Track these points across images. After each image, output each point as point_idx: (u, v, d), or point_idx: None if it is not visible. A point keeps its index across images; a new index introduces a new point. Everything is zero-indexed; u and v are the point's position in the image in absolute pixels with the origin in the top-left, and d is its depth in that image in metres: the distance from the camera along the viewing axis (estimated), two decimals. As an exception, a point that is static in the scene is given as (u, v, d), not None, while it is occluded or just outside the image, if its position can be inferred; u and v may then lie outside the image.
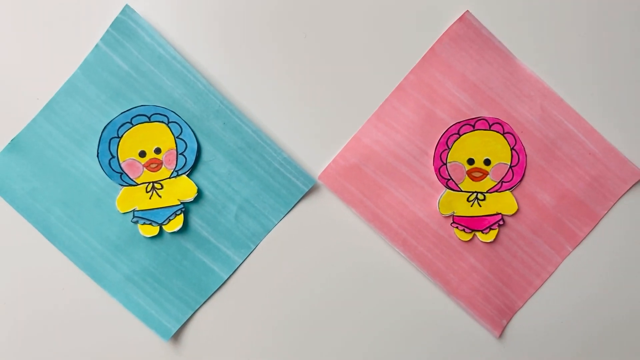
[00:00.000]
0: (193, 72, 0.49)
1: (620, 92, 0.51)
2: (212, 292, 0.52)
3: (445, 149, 0.51)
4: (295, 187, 0.51)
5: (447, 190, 0.51)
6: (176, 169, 0.50)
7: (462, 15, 0.50)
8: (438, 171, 0.51)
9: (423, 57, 0.50)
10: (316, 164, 0.51)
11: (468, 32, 0.50)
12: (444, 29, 0.50)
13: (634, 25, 0.50)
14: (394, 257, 0.52)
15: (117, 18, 0.48)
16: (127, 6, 0.48)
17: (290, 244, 0.52)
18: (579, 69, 0.51)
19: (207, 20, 0.50)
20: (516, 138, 0.51)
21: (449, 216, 0.51)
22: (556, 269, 0.52)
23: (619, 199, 0.52)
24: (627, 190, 0.52)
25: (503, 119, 0.50)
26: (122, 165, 0.50)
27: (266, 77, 0.50)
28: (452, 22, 0.50)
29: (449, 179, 0.51)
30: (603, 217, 0.52)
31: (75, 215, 0.51)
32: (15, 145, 0.50)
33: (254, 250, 0.52)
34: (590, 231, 0.52)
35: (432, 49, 0.50)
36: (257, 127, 0.50)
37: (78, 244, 0.51)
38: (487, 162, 0.51)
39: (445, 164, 0.51)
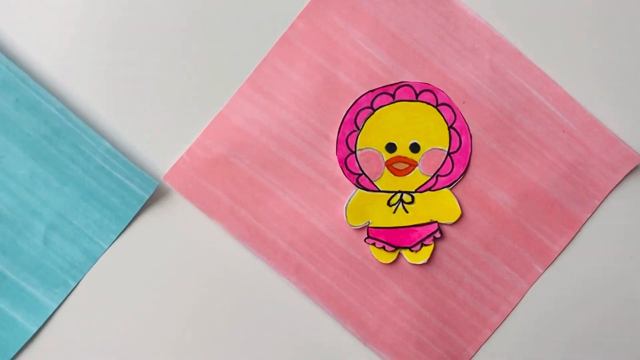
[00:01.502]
0: (-42, 21, 0.32)
1: (605, 43, 0.35)
2: (16, 352, 0.35)
3: (354, 131, 0.34)
4: (130, 194, 0.34)
5: (358, 190, 0.35)
6: (-52, 171, 0.33)
7: None
8: (344, 163, 0.35)
9: (316, -5, 0.34)
10: (163, 159, 0.35)
11: (380, -44, 0.34)
12: (344, -47, 0.34)
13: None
14: (283, 290, 0.35)
15: None
16: None
17: (128, 277, 0.35)
18: (543, 10, 0.35)
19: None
20: (455, 112, 0.35)
21: (361, 228, 0.35)
22: (521, 299, 0.36)
23: (607, 195, 0.35)
24: (619, 183, 0.36)
25: (436, 84, 0.34)
26: None
27: (78, 32, 0.33)
28: (356, -58, 0.34)
29: (360, 174, 0.35)
30: (586, 222, 0.36)
31: None
32: None
33: (75, 289, 0.35)
34: (569, 243, 0.36)
35: (329, -18, 0.34)
36: (64, 105, 0.33)
37: None
38: (414, 147, 0.35)
39: (355, 153, 0.34)
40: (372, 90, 0.35)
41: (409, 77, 0.35)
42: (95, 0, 0.34)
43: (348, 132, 0.35)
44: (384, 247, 0.36)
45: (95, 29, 0.34)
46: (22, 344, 0.36)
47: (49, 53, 0.34)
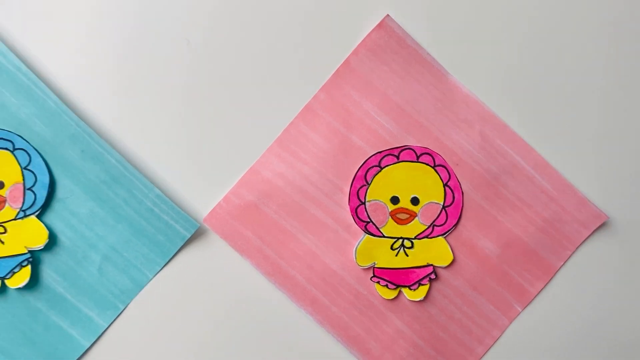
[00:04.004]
0: (41, 86, 0.39)
1: (578, 117, 0.41)
2: (69, 364, 0.41)
3: (364, 185, 0.41)
4: (174, 233, 0.40)
5: (367, 235, 0.41)
6: (23, 209, 0.39)
7: (381, 21, 0.40)
8: (355, 212, 0.41)
9: (336, 72, 0.41)
10: (203, 204, 0.41)
11: (389, 41, 0.41)
12: (360, 38, 0.41)
13: (591, 35, 0.41)
14: (300, 319, 0.41)
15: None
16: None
17: (169, 304, 0.41)
18: (526, 89, 0.41)
19: (62, 22, 0.40)
20: (450, 172, 0.41)
21: (368, 268, 0.41)
22: (502, 333, 0.42)
23: (578, 247, 0.42)
24: (588, 237, 0.42)
25: (434, 148, 0.41)
26: (-49, 204, 0.39)
27: (135, 94, 0.40)
28: (370, 30, 0.40)
29: (368, 222, 0.41)
30: (559, 269, 0.42)
31: None
32: None
33: (123, 312, 0.41)
34: (544, 287, 0.42)
35: (346, 61, 0.41)
36: (122, 156, 0.40)
37: None
38: (414, 201, 0.41)
39: (364, 203, 0.41)
40: (380, 152, 0.42)
41: (411, 142, 0.42)
42: (140, 63, 0.41)
43: (359, 186, 0.42)
44: (387, 285, 0.42)
45: (149, 89, 0.41)
46: (77, 358, 0.41)
47: (110, 109, 0.41)
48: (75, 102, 0.40)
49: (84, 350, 0.41)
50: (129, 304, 0.41)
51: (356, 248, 0.41)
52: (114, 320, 0.41)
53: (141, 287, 0.41)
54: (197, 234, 0.41)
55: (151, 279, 0.41)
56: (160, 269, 0.41)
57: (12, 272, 0.40)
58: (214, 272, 0.41)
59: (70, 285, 0.41)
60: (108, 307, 0.41)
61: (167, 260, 0.41)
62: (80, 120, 0.39)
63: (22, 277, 0.40)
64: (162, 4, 0.40)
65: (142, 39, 0.40)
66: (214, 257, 0.41)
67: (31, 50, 0.40)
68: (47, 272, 0.41)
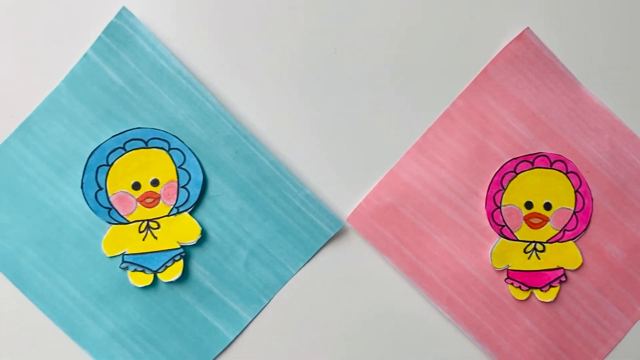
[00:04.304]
0: (202, 89, 0.41)
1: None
2: (215, 355, 0.43)
3: (500, 190, 0.42)
4: (318, 230, 0.42)
5: (501, 239, 0.43)
6: (176, 205, 0.41)
7: (521, 33, 0.42)
8: (491, 216, 0.43)
9: (474, 80, 0.42)
10: (344, 204, 0.43)
11: (527, 52, 0.42)
12: (499, 48, 0.42)
13: None
14: (435, 317, 0.43)
15: (111, 22, 0.40)
16: (124, 8, 0.40)
17: (311, 298, 0.43)
18: (655, 100, 0.43)
19: (219, 31, 0.42)
20: (581, 179, 0.43)
21: (502, 270, 0.43)
22: (626, 334, 0.44)
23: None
24: None
25: (566, 155, 0.42)
26: (111, 199, 0.41)
27: (287, 99, 0.42)
28: (510, 41, 0.42)
29: (503, 226, 0.43)
30: (682, 274, 0.44)
31: (52, 258, 0.42)
32: (-18, 171, 0.41)
33: (267, 306, 0.43)
34: (667, 291, 0.44)
35: (484, 70, 0.42)
36: (276, 158, 0.41)
37: (53, 292, 0.42)
38: (547, 206, 0.43)
39: (500, 208, 0.43)
40: (515, 158, 0.43)
41: (545, 149, 0.44)
42: (291, 69, 0.43)
43: (495, 191, 0.43)
44: (520, 287, 0.43)
45: (298, 94, 0.43)
46: (221, 350, 0.43)
47: (263, 113, 0.43)
48: (232, 105, 0.42)
49: (228, 343, 0.43)
50: (272, 298, 0.43)
51: (492, 251, 0.43)
52: (258, 313, 0.43)
53: (284, 282, 0.43)
54: (338, 233, 0.43)
55: (294, 275, 0.43)
56: (303, 265, 0.43)
57: (164, 266, 0.42)
58: (353, 269, 0.43)
59: (217, 279, 0.43)
60: (252, 301, 0.43)
61: (310, 256, 0.43)
62: (237, 123, 0.41)
63: (175, 271, 0.42)
64: (314, 15, 0.42)
65: (293, 46, 0.42)
66: (353, 255, 0.43)
67: (191, 54, 0.42)
68: (196, 267, 0.42)
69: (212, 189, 0.42)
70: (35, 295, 0.42)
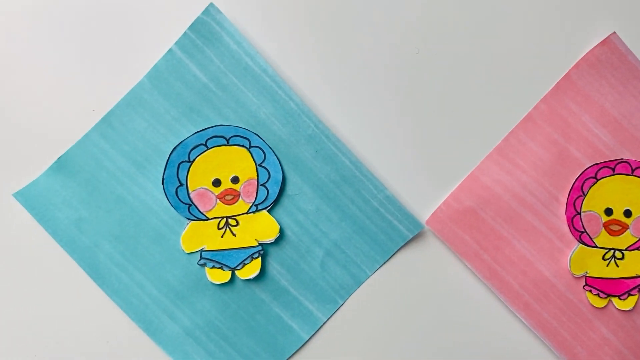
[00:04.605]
0: (285, 88, 0.41)
1: None
2: (290, 355, 0.42)
3: (580, 196, 0.42)
4: (397, 232, 0.42)
5: (580, 245, 0.42)
6: (256, 203, 0.41)
7: (606, 38, 0.42)
8: (571, 222, 0.42)
9: (556, 84, 0.42)
10: (422, 206, 0.43)
11: (611, 57, 0.42)
12: (583, 52, 0.42)
13: None
14: (512, 322, 0.43)
15: (198, 18, 0.40)
16: (211, 5, 0.40)
17: (386, 300, 0.43)
18: None
19: (304, 29, 0.42)
20: (664, 187, 0.42)
21: (581, 277, 0.42)
22: (703, 346, 0.43)
23: None
24: None
25: (648, 162, 0.42)
26: (192, 196, 0.41)
27: (369, 99, 0.42)
28: (594, 45, 0.42)
29: (582, 232, 0.42)
30: None
31: (129, 253, 0.41)
32: (62, 165, 0.41)
33: (341, 307, 0.42)
34: None
35: (567, 75, 0.42)
36: (357, 158, 0.41)
37: (130, 288, 0.42)
38: (627, 213, 0.42)
39: (579, 214, 0.42)
40: (596, 164, 0.43)
41: (626, 155, 0.43)
42: (373, 71, 0.42)
43: (575, 197, 0.43)
44: (598, 294, 0.43)
45: (379, 96, 0.42)
46: (295, 349, 0.43)
47: (345, 113, 0.42)
48: (314, 104, 0.42)
49: (302, 343, 0.43)
50: (347, 299, 0.43)
51: (571, 257, 0.42)
52: (332, 314, 0.43)
53: (360, 284, 0.43)
54: (415, 236, 0.43)
55: (370, 276, 0.43)
56: (379, 266, 0.43)
57: (243, 264, 0.42)
58: (430, 272, 0.43)
59: (293, 278, 0.42)
60: (327, 302, 0.43)
61: (386, 258, 0.43)
62: (320, 122, 0.41)
63: (253, 269, 0.42)
64: (399, 15, 0.42)
65: (377, 46, 0.42)
66: (431, 259, 0.43)
67: (275, 52, 0.41)
68: (273, 265, 0.42)
69: (290, 188, 0.42)
70: (112, 290, 0.42)
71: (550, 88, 0.42)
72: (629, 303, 0.43)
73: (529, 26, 0.42)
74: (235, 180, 0.41)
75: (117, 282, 0.42)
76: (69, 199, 0.41)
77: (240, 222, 0.42)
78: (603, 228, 0.43)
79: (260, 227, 0.42)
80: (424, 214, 0.43)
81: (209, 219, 0.41)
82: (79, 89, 0.41)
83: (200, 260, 0.41)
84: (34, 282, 0.42)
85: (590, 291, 0.43)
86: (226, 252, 0.41)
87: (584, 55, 0.42)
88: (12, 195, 0.41)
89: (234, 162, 0.41)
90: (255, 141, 0.41)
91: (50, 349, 0.42)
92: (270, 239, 0.41)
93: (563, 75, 0.42)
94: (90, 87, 0.41)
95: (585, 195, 0.42)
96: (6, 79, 0.41)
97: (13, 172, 0.41)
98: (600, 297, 0.43)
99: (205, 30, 0.40)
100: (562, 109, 0.42)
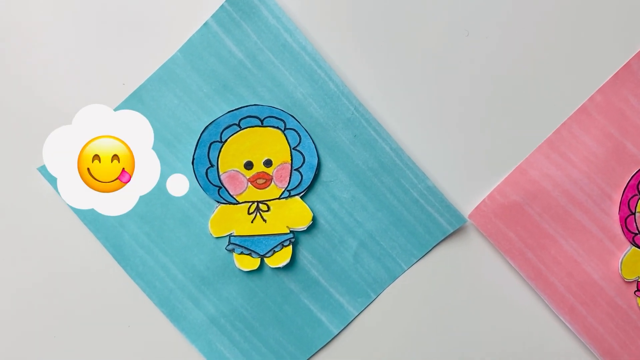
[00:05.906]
0: (326, 67, 0.38)
1: None
2: (317, 349, 0.40)
3: (635, 195, 0.39)
4: (436, 226, 0.40)
5: (633, 247, 0.39)
6: (288, 188, 0.39)
7: (673, 25, 0.38)
8: (624, 222, 0.39)
9: (615, 75, 0.39)
10: (465, 199, 0.40)
11: (677, 47, 0.39)
12: (646, 41, 0.39)
13: None
14: (556, 327, 0.40)
15: (236, -9, 0.38)
16: (250, -23, 0.38)
17: (422, 297, 0.40)
18: None
19: (348, 5, 0.39)
20: None
21: (632, 282, 0.39)
22: None
23: None
24: None
25: None
26: (222, 178, 0.39)
27: (413, 83, 0.39)
28: (659, 33, 0.38)
29: (636, 234, 0.39)
30: None
31: (155, 235, 0.40)
32: (89, 139, 0.39)
33: (374, 301, 0.40)
34: None
35: (627, 64, 0.39)
36: (398, 145, 0.39)
37: (154, 271, 0.40)
38: (686, 215, 0.39)
39: (634, 214, 0.39)
40: (654, 162, 0.40)
41: (687, 154, 0.40)
42: (418, 55, 0.40)
43: (630, 196, 0.40)
44: (650, 301, 0.40)
45: (425, 83, 0.40)
46: (324, 344, 0.41)
47: (386, 97, 0.40)
48: (355, 86, 0.40)
49: (332, 337, 0.41)
50: (380, 293, 0.40)
51: (622, 260, 0.40)
52: (364, 308, 0.40)
53: (394, 278, 0.40)
54: (455, 230, 0.40)
55: (405, 271, 0.40)
56: (416, 261, 0.40)
57: (272, 251, 0.40)
58: (470, 269, 0.40)
59: (324, 268, 0.40)
60: (359, 295, 0.41)
61: (424, 253, 0.40)
62: (360, 104, 0.39)
63: (283, 257, 0.40)
64: (451, -8, 0.39)
65: (423, 27, 0.39)
66: (471, 255, 0.40)
67: (316, 30, 0.39)
68: (303, 254, 0.40)
69: (325, 174, 0.40)
70: (135, 273, 0.40)
71: (608, 78, 0.39)
72: (683, 312, 0.40)
73: (588, 11, 0.39)
74: (268, 163, 0.39)
75: (142, 265, 0.40)
76: (95, 176, 0.40)
77: (271, 208, 0.40)
78: (659, 230, 0.40)
79: (292, 214, 0.39)
80: (466, 208, 0.40)
81: (239, 203, 0.39)
82: (109, 62, 0.40)
83: (228, 245, 0.39)
84: (55, 261, 0.41)
85: (642, 297, 0.40)
86: (256, 238, 0.39)
87: (647, 44, 0.39)
88: (37, 169, 0.40)
89: (268, 145, 0.39)
90: (291, 123, 0.39)
91: (70, 331, 0.41)
92: (302, 226, 0.39)
93: (623, 65, 0.39)
94: (121, 60, 0.40)
95: (641, 195, 0.39)
96: (35, 52, 0.39)
97: (40, 147, 0.40)
98: (652, 304, 0.40)
99: (243, 4, 0.38)
100: (620, 101, 0.39)
